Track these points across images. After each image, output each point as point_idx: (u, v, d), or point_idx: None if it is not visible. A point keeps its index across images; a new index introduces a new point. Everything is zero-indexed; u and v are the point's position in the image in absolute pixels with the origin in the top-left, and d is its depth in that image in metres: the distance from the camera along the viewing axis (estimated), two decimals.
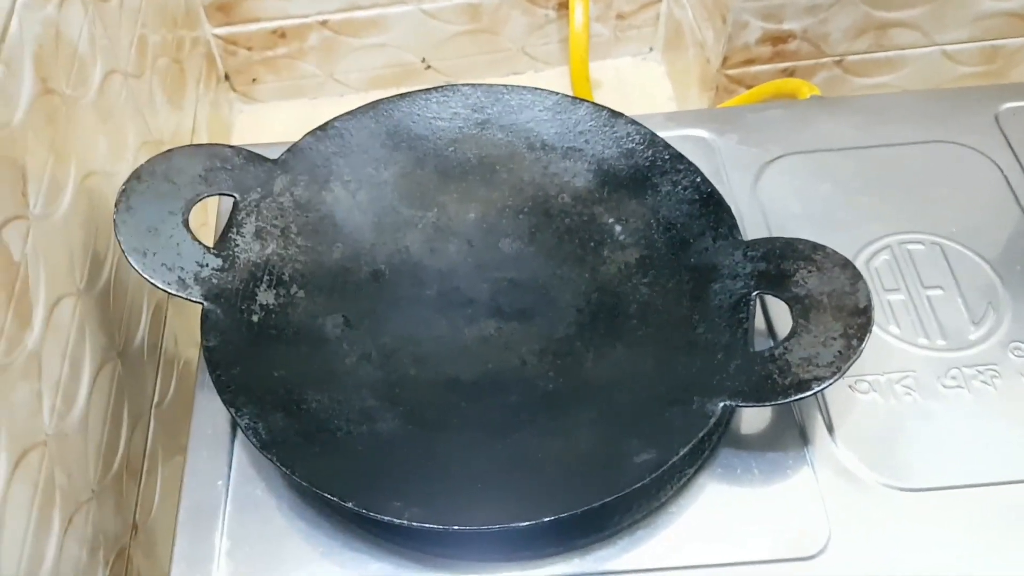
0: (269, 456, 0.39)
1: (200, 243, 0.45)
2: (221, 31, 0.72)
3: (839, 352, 0.39)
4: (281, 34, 0.73)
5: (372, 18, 0.73)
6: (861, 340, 0.39)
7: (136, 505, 0.51)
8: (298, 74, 0.76)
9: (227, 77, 0.75)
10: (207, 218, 0.60)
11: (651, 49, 0.84)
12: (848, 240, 0.48)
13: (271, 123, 0.78)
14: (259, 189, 0.48)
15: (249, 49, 0.73)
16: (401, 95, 0.51)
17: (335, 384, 0.43)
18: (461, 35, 0.75)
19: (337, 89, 0.79)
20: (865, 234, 0.49)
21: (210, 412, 0.45)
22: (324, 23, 0.72)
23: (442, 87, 0.52)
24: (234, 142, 0.75)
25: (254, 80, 0.76)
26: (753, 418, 0.44)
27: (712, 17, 0.71)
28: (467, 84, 0.51)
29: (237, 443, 0.44)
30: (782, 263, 0.43)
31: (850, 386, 0.43)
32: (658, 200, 0.49)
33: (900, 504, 0.40)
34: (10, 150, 0.39)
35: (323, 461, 0.40)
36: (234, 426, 0.44)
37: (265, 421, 0.40)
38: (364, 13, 0.72)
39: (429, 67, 0.79)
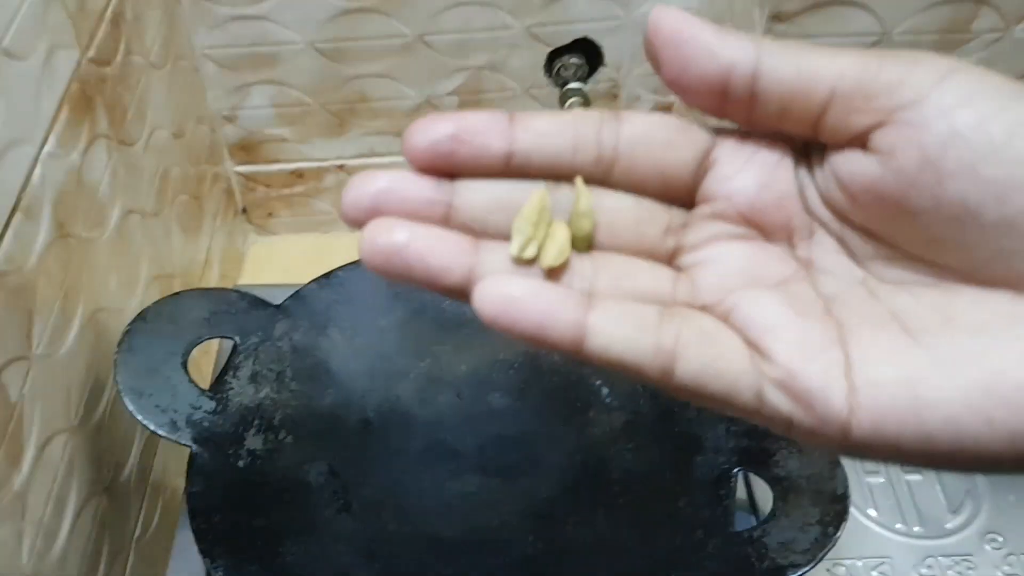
0: None
1: (196, 385, 0.46)
2: (243, 169, 0.75)
3: (815, 539, 0.39)
4: (299, 174, 0.76)
5: (386, 164, 0.76)
6: (837, 528, 0.39)
7: None
8: (312, 210, 0.79)
9: (244, 210, 0.78)
10: (210, 348, 0.61)
11: None
12: None
13: (283, 255, 0.80)
14: (259, 333, 0.50)
15: (268, 186, 0.76)
16: None
17: (313, 536, 0.44)
18: None
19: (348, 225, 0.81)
20: None
21: (189, 554, 0.45)
22: (341, 167, 0.75)
23: None
24: (246, 272, 0.77)
25: (270, 214, 0.79)
26: None
27: None
28: None
29: None
30: (764, 441, 0.44)
31: (827, 570, 0.43)
32: None
33: None
34: (19, 293, 0.41)
35: None
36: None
37: (240, 572, 0.41)
38: (379, 160, 0.75)
39: None
